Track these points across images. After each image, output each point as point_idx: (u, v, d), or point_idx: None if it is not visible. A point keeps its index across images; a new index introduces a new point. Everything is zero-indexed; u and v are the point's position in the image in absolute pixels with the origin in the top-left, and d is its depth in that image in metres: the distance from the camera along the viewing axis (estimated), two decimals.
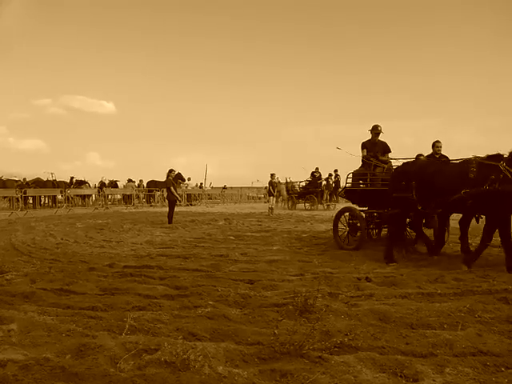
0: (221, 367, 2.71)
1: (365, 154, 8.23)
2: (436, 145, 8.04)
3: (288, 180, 24.29)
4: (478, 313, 3.69)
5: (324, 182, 23.14)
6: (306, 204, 22.73)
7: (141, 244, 8.82)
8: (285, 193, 24.33)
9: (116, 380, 2.56)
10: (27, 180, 24.52)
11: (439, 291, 4.50)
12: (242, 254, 7.25)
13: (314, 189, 22.75)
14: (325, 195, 22.80)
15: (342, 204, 26.70)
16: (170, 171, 14.03)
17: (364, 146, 8.35)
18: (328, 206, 23.04)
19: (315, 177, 23.00)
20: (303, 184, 23.56)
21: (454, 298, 4.31)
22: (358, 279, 5.17)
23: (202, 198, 30.55)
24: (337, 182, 23.67)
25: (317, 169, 23.38)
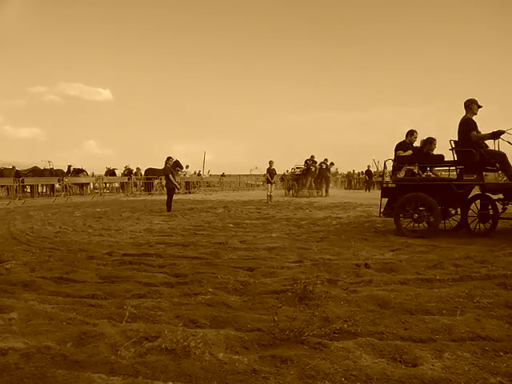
0: (221, 354, 2.73)
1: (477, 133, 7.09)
2: (414, 134, 8.19)
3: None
4: (477, 298, 3.71)
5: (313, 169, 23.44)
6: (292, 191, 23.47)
7: (140, 232, 8.83)
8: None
9: (117, 367, 2.57)
10: (17, 169, 24.42)
11: (438, 277, 4.51)
12: (241, 242, 7.27)
13: (299, 176, 23.21)
14: (307, 182, 23.08)
15: (334, 191, 26.88)
16: (168, 159, 13.99)
17: (475, 124, 7.09)
18: (317, 192, 23.29)
19: (308, 165, 23.27)
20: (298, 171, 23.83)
21: (452, 283, 4.33)
22: (357, 266, 5.18)
23: (200, 186, 30.52)
24: (321, 169, 23.92)
25: (312, 157, 23.53)
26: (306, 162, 23.60)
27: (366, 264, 5.22)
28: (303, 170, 23.45)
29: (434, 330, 3.04)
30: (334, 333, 3.04)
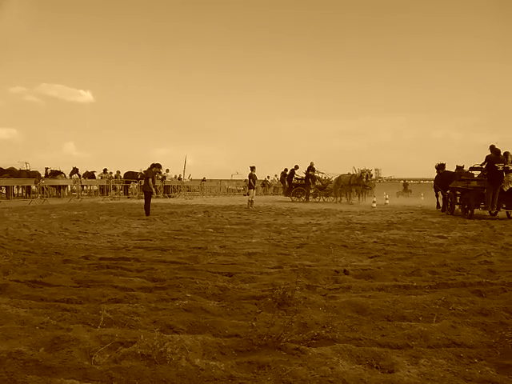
0: (198, 360, 2.70)
1: None
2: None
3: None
4: (453, 305, 3.77)
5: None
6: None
7: (117, 236, 8.70)
8: None
9: (91, 373, 2.52)
10: None
11: (415, 284, 4.57)
12: (220, 247, 7.23)
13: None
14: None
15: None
16: (155, 165, 14.02)
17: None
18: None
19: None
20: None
21: (429, 290, 4.38)
22: (336, 272, 5.21)
23: (180, 190, 30.31)
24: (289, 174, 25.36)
25: (311, 163, 24.24)
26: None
27: (344, 270, 5.25)
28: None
29: (411, 336, 3.07)
30: (312, 339, 3.05)
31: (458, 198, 14.38)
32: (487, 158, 12.80)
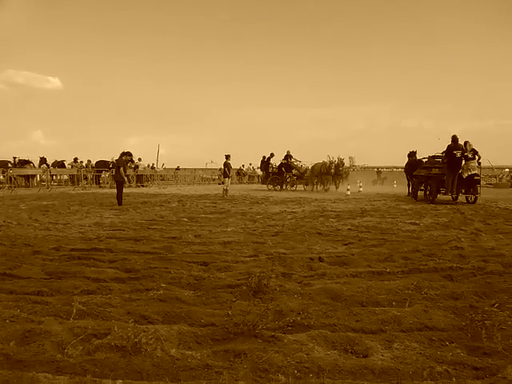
0: (173, 350, 2.67)
1: None
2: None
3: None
4: (425, 290, 3.85)
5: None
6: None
7: (89, 226, 8.52)
8: None
9: (64, 366, 2.46)
10: None
11: (388, 270, 4.65)
12: (195, 236, 7.18)
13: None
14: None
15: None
16: (125, 154, 13.77)
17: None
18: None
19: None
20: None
21: (402, 276, 4.47)
22: (311, 259, 5.25)
23: (154, 179, 29.96)
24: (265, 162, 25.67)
25: (287, 152, 24.33)
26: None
27: (319, 257, 5.30)
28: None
29: (384, 321, 3.13)
30: (288, 326, 3.06)
31: (422, 184, 15.30)
32: (448, 146, 13.67)
